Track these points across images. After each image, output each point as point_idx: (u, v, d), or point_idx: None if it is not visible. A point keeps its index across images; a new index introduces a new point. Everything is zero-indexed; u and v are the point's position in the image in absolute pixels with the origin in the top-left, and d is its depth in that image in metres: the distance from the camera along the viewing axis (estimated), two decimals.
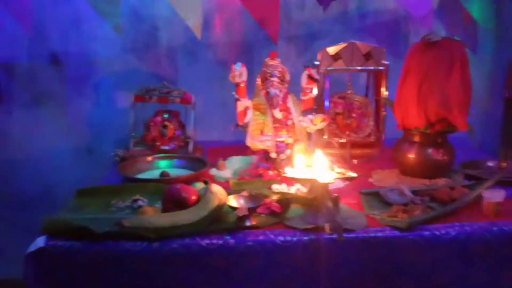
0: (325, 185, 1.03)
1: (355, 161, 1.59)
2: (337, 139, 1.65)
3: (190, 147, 1.65)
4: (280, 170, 1.34)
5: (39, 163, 1.91)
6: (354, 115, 1.68)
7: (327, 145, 1.66)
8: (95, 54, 1.86)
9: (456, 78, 1.17)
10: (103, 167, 1.63)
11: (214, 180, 1.40)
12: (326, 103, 1.63)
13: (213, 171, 1.49)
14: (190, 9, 1.53)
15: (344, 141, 1.65)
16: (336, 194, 0.98)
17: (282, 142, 1.43)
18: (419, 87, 1.22)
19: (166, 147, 1.65)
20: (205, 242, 0.98)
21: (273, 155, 1.42)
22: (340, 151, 1.64)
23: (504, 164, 1.40)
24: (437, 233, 1.02)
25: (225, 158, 1.64)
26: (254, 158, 1.47)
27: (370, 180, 1.38)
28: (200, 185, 1.14)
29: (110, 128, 1.89)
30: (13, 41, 1.82)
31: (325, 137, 1.66)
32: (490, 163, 1.48)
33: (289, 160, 1.38)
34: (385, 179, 1.38)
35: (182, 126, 1.71)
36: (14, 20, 1.66)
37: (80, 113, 1.90)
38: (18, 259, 1.00)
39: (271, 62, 1.45)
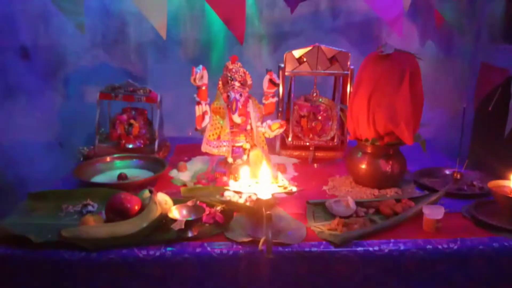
0: (265, 201, 1.05)
1: (315, 165, 1.61)
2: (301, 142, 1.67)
3: (155, 145, 1.66)
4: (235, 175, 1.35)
5: (10, 155, 1.92)
6: (319, 117, 1.68)
7: (291, 148, 1.68)
8: (64, 48, 1.85)
9: (405, 92, 1.17)
10: (74, 161, 1.65)
11: (172, 183, 1.43)
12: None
13: (173, 173, 1.51)
14: (155, 8, 1.52)
15: (308, 144, 1.67)
16: (268, 212, 1.00)
17: (240, 147, 1.44)
18: (369, 99, 1.21)
19: (131, 145, 1.66)
20: (142, 253, 1.01)
21: (229, 160, 1.43)
22: (304, 154, 1.67)
23: (457, 175, 1.40)
24: (371, 249, 1.04)
25: (190, 157, 1.66)
26: (213, 161, 1.49)
27: (324, 188, 1.40)
28: (147, 194, 1.15)
29: (80, 122, 1.89)
30: None
31: (289, 139, 1.68)
32: (447, 171, 1.48)
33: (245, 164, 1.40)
34: (338, 186, 1.39)
35: (148, 124, 1.72)
36: None
37: (51, 107, 1.91)
38: None
39: (232, 66, 1.44)
